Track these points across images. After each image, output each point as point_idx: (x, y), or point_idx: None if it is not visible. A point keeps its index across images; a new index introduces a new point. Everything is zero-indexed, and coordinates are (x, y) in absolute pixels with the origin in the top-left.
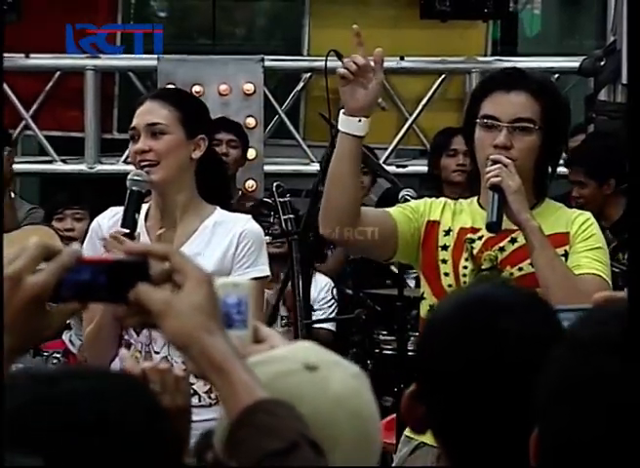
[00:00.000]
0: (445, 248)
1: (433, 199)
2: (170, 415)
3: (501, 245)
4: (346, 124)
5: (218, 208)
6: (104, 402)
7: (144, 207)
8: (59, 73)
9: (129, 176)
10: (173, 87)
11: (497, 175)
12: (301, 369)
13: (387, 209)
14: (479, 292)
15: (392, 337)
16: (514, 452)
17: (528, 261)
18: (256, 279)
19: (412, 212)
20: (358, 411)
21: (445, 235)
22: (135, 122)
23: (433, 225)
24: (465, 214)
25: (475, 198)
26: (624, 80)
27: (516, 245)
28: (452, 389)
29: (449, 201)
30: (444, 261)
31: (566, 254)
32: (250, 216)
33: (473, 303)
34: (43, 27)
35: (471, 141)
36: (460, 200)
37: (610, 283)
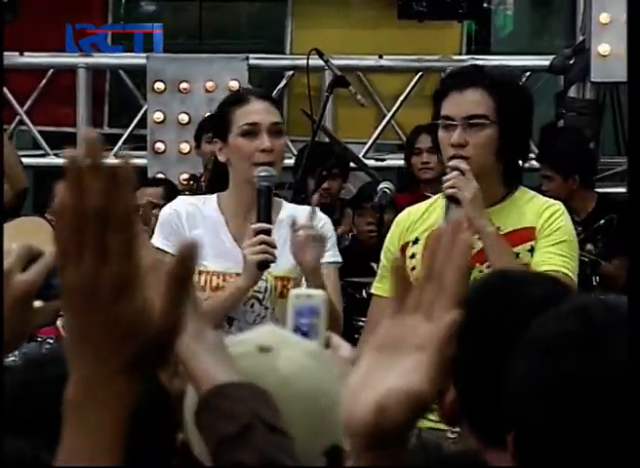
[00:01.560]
0: (413, 256)
1: (401, 217)
2: (169, 399)
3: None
4: None
5: (283, 201)
6: None
7: (212, 199)
8: (52, 71)
9: (257, 173)
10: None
11: (453, 186)
12: (255, 351)
13: (380, 292)
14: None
15: None
16: None
17: None
18: (330, 263)
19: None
20: (309, 391)
21: (413, 245)
22: (257, 118)
23: (404, 247)
24: (435, 215)
25: None
26: (592, 78)
27: None
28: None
29: (413, 209)
30: (413, 269)
31: (532, 250)
32: (317, 208)
33: (494, 280)
34: (36, 26)
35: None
36: (438, 196)
37: (574, 277)
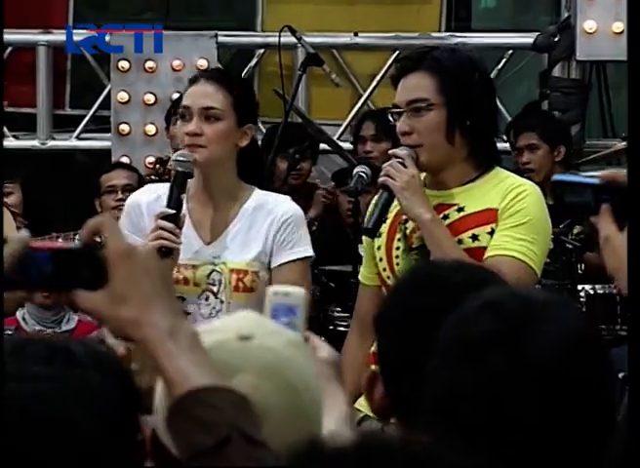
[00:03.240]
0: (379, 235)
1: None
2: (149, 394)
3: None
4: None
5: (256, 189)
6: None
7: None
8: (10, 49)
9: (173, 157)
10: (219, 68)
11: (385, 175)
12: (234, 338)
13: (362, 279)
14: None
15: (346, 314)
16: None
17: (460, 237)
18: (300, 259)
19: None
20: (289, 382)
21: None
22: (188, 102)
23: None
24: None
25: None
26: (578, 56)
27: (447, 221)
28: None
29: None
30: (379, 248)
31: (492, 232)
32: (289, 197)
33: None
34: None
35: None
36: None
37: (532, 261)
